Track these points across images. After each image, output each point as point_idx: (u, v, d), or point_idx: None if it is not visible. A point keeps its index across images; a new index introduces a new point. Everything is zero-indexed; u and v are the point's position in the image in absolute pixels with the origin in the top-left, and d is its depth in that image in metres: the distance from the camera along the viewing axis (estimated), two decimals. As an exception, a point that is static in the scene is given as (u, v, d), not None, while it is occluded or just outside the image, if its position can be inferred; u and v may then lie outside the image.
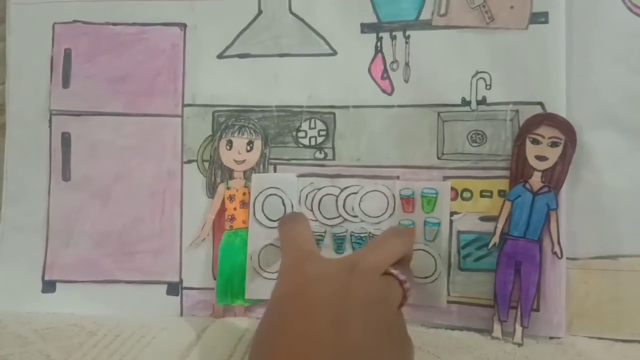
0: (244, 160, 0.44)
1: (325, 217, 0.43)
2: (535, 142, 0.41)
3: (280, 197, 0.43)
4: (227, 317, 0.44)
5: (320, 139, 0.44)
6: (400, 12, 0.43)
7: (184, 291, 0.44)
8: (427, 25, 0.43)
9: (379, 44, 0.43)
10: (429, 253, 0.42)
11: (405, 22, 0.43)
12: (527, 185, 0.41)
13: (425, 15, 0.43)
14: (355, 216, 0.43)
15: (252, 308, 0.44)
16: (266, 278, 0.43)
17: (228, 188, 0.44)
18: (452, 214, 0.42)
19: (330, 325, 0.28)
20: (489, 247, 0.42)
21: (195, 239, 0.44)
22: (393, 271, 0.33)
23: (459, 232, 0.42)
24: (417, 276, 0.41)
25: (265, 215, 0.43)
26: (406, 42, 0.43)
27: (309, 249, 0.35)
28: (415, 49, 0.43)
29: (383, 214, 0.43)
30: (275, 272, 0.38)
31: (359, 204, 0.43)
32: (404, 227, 0.42)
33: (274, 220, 0.43)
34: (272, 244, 0.43)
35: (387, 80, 0.43)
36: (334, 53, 0.44)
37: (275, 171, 0.44)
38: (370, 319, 0.29)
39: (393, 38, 0.43)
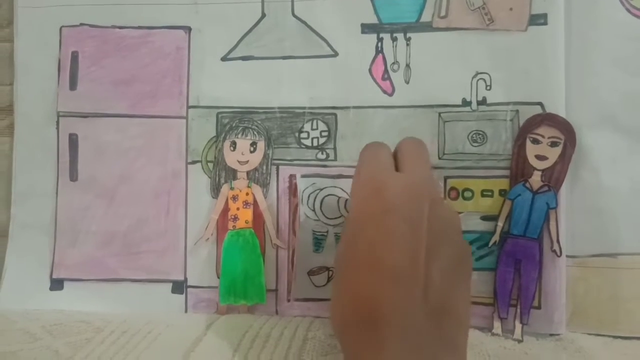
0: (247, 161, 0.45)
1: (327, 217, 0.44)
2: (535, 141, 0.42)
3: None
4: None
5: (322, 140, 0.44)
6: (401, 14, 0.43)
7: (189, 289, 0.45)
8: (428, 27, 0.43)
9: (379, 44, 0.44)
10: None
11: (406, 23, 0.43)
12: (527, 184, 0.41)
13: (425, 17, 0.43)
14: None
15: (255, 307, 0.44)
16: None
17: (232, 188, 0.45)
18: (453, 213, 0.43)
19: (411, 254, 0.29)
20: (490, 246, 0.42)
21: (199, 238, 0.45)
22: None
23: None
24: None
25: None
26: (407, 44, 0.43)
27: (385, 166, 0.34)
28: (416, 50, 0.43)
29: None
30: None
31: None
32: (416, 141, 0.38)
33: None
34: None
35: (387, 81, 0.44)
36: (336, 54, 0.44)
37: (277, 172, 0.45)
38: (448, 253, 0.30)
39: (394, 39, 0.44)
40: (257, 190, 0.44)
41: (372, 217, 0.30)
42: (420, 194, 0.31)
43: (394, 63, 0.44)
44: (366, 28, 0.44)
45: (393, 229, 0.29)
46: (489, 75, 0.43)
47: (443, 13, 0.43)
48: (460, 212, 0.43)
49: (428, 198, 0.31)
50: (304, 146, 0.44)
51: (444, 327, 0.29)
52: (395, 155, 0.36)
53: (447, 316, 0.29)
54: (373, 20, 0.44)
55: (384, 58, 0.44)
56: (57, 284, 0.46)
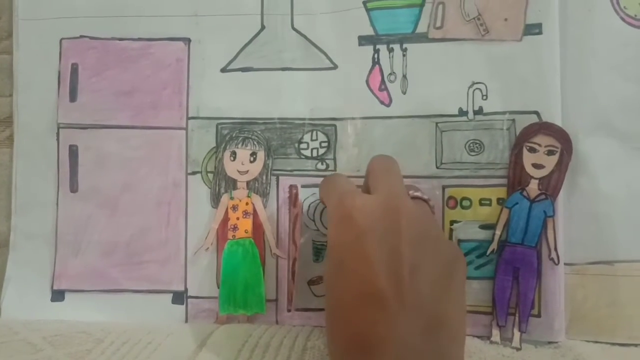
0: (247, 171, 0.45)
1: (327, 228, 0.44)
2: (532, 150, 0.42)
3: None
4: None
5: (321, 150, 0.45)
6: (397, 25, 0.44)
7: (189, 300, 0.45)
8: (424, 37, 0.44)
9: (376, 55, 0.44)
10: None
11: (402, 34, 0.44)
12: (525, 193, 0.42)
13: (421, 28, 0.44)
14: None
15: (255, 317, 0.45)
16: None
17: (231, 198, 0.45)
18: (452, 222, 0.43)
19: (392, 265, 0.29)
20: (488, 254, 0.42)
21: (199, 248, 0.45)
22: (418, 195, 0.34)
23: (459, 241, 0.43)
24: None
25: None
26: (403, 55, 0.44)
27: (350, 189, 0.35)
28: (412, 61, 0.44)
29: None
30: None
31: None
32: (383, 158, 0.39)
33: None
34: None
35: (385, 92, 0.44)
36: (335, 67, 0.45)
37: (277, 182, 0.45)
38: (425, 249, 0.30)
39: (390, 50, 0.44)
40: (257, 200, 0.45)
41: (347, 244, 0.30)
42: (393, 209, 0.30)
43: (390, 74, 0.44)
44: (363, 40, 0.44)
45: (370, 253, 0.29)
46: (485, 85, 0.43)
47: (439, 24, 0.44)
48: (458, 221, 0.43)
49: (403, 212, 0.30)
50: (303, 157, 0.45)
51: (439, 339, 0.28)
52: (366, 176, 0.36)
53: (442, 328, 0.28)
54: (369, 32, 0.44)
55: (380, 69, 0.44)
56: (58, 295, 0.46)
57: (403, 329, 0.28)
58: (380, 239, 0.29)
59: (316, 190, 0.44)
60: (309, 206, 0.44)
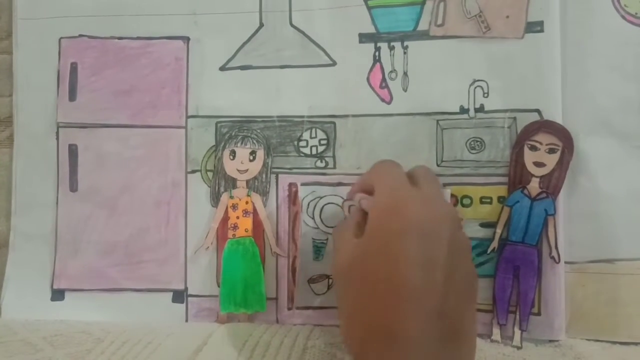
0: (247, 170, 0.45)
1: (327, 226, 0.44)
2: (533, 148, 0.42)
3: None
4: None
5: (321, 148, 0.45)
6: (398, 23, 0.44)
7: (189, 299, 0.45)
8: (425, 35, 0.44)
9: (377, 53, 0.44)
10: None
11: (403, 32, 0.44)
12: (526, 191, 0.42)
13: (422, 25, 0.44)
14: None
15: (255, 316, 0.45)
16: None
17: (231, 197, 0.45)
18: (452, 220, 0.43)
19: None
20: (488, 252, 0.42)
21: (199, 247, 0.45)
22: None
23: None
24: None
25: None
26: (404, 52, 0.44)
27: (405, 182, 0.34)
28: (413, 58, 0.44)
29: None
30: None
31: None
32: (428, 169, 0.39)
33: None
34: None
35: (385, 90, 0.44)
36: (334, 63, 0.44)
37: (277, 180, 0.45)
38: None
39: (391, 48, 0.44)
40: (257, 199, 0.45)
41: (389, 234, 0.30)
42: (440, 213, 0.31)
43: (391, 71, 0.44)
44: (364, 37, 0.44)
45: (411, 249, 0.29)
46: (486, 83, 0.43)
47: (440, 21, 0.43)
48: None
49: (447, 218, 0.31)
50: (303, 154, 0.45)
51: (454, 350, 0.29)
52: (408, 177, 0.36)
53: (458, 339, 0.29)
54: (370, 29, 0.44)
55: (381, 67, 0.44)
56: (58, 295, 0.46)
57: (427, 331, 0.28)
58: (422, 239, 0.30)
59: (315, 188, 0.44)
60: (309, 204, 0.44)
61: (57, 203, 0.46)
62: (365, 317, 0.30)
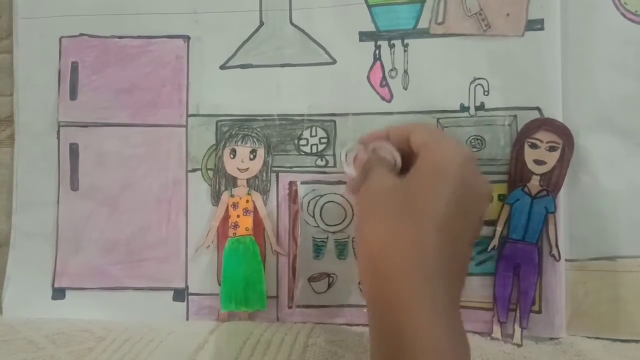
0: (247, 169, 0.45)
1: (327, 224, 0.44)
2: (533, 146, 0.42)
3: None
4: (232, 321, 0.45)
5: (321, 147, 0.45)
6: (398, 21, 0.44)
7: (190, 297, 0.45)
8: (425, 33, 0.44)
9: (377, 52, 0.44)
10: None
11: (403, 30, 0.44)
12: (526, 189, 0.42)
13: (423, 23, 0.44)
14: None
15: (256, 314, 0.45)
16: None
17: (232, 196, 0.45)
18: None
19: None
20: (489, 250, 0.42)
21: (200, 246, 0.45)
22: None
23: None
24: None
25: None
26: (404, 50, 0.44)
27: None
28: (414, 56, 0.44)
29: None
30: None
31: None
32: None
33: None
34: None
35: (386, 88, 0.44)
36: (334, 62, 0.44)
37: (277, 179, 0.45)
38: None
39: (391, 46, 0.44)
40: (257, 198, 0.45)
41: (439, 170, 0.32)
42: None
43: (392, 70, 0.44)
44: (364, 36, 0.44)
45: (449, 195, 0.31)
46: (487, 81, 0.43)
47: (440, 19, 0.43)
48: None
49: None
50: (303, 153, 0.45)
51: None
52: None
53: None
54: (370, 28, 0.44)
55: (381, 65, 0.44)
56: (59, 293, 0.46)
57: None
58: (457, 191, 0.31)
59: (316, 186, 0.44)
60: (309, 202, 0.44)
61: (58, 201, 0.46)
62: (399, 245, 0.30)
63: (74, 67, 0.46)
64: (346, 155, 0.38)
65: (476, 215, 0.32)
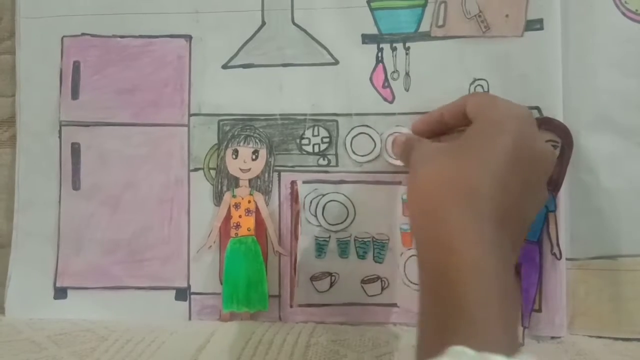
0: (250, 169, 0.45)
1: (329, 223, 0.44)
2: (533, 146, 0.42)
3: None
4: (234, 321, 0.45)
5: (323, 146, 0.45)
6: (400, 25, 0.44)
7: (192, 296, 0.45)
8: (426, 36, 0.44)
9: (379, 54, 0.44)
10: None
11: (405, 34, 0.44)
12: (526, 189, 0.42)
13: (424, 27, 0.44)
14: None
15: (258, 314, 0.45)
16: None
17: (234, 196, 0.45)
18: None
19: None
20: (490, 250, 0.42)
21: (202, 246, 0.45)
22: None
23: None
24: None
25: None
26: (406, 53, 0.44)
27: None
28: (415, 59, 0.44)
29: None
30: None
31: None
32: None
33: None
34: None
35: (388, 89, 0.44)
36: (336, 62, 0.45)
37: (279, 178, 0.45)
38: None
39: (393, 49, 0.44)
40: (259, 198, 0.45)
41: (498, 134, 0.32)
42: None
43: (394, 72, 0.44)
44: (367, 38, 0.44)
45: (509, 147, 0.31)
46: (487, 82, 0.43)
47: (441, 22, 0.44)
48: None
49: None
50: (305, 152, 0.45)
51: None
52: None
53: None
54: (373, 31, 0.44)
55: (384, 67, 0.44)
56: (61, 293, 0.46)
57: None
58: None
59: (318, 186, 0.44)
60: (311, 202, 0.44)
61: (59, 201, 0.46)
62: (451, 185, 0.30)
63: (76, 66, 0.46)
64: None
65: (537, 178, 0.33)
